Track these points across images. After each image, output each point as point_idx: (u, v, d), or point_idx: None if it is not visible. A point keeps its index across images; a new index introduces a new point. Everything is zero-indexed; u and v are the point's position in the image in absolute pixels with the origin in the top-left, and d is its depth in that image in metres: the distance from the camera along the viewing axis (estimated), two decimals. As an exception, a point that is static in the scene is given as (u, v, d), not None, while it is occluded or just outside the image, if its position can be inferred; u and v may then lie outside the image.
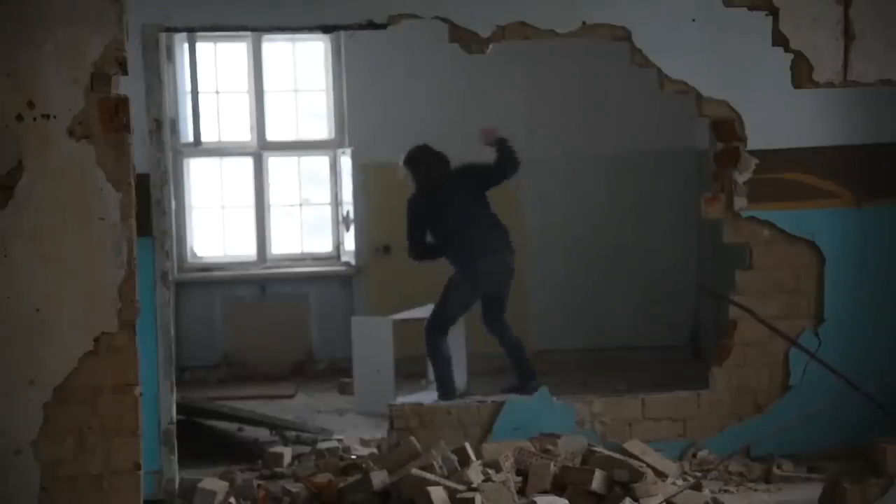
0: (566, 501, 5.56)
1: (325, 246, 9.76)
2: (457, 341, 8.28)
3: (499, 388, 7.84)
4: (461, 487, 5.46)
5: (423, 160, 7.91)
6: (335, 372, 9.06)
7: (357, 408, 8.09)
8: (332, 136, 9.64)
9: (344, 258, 9.60)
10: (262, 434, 7.41)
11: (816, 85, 5.55)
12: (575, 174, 9.31)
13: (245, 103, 9.65)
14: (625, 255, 9.36)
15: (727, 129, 6.62)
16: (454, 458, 5.72)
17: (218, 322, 9.39)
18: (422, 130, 9.16)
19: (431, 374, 8.40)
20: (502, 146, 7.75)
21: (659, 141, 9.25)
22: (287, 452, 6.82)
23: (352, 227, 9.40)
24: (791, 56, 5.56)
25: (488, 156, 7.83)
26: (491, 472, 5.74)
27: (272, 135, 9.69)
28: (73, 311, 4.30)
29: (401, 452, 6.02)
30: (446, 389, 7.76)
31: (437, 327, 7.89)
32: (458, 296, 7.88)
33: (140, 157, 4.86)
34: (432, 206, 7.84)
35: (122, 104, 4.32)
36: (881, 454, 6.24)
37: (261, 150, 9.64)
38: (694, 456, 6.56)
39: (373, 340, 8.14)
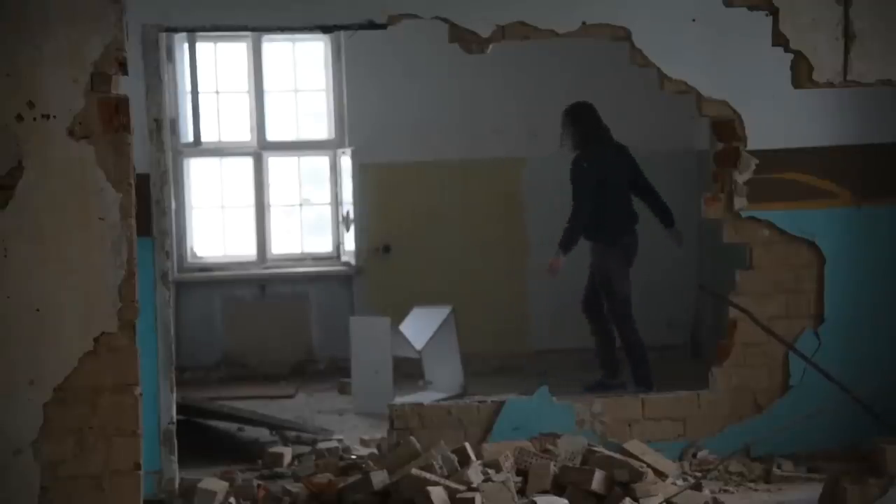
0: (566, 501, 5.56)
1: (325, 246, 9.76)
2: (450, 341, 8.28)
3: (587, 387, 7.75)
4: (461, 487, 5.46)
5: (589, 117, 7.89)
6: (335, 372, 9.05)
7: (355, 408, 8.09)
8: (332, 136, 9.63)
9: (344, 258, 9.60)
10: (262, 434, 7.41)
11: (816, 85, 5.56)
12: (575, 174, 9.30)
13: (245, 103, 9.65)
14: (625, 255, 9.34)
15: (727, 129, 6.62)
16: (454, 458, 5.72)
17: (218, 322, 9.39)
18: (422, 131, 9.19)
19: (428, 375, 8.39)
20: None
21: (659, 141, 9.24)
22: (287, 452, 6.82)
23: (352, 227, 9.40)
24: (791, 56, 5.57)
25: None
26: (491, 472, 5.74)
27: (272, 135, 9.69)
28: (73, 312, 4.31)
29: (401, 452, 6.02)
30: (647, 371, 7.70)
31: (626, 312, 7.83)
32: (619, 272, 7.83)
33: (140, 157, 4.87)
34: (605, 170, 7.78)
35: (122, 104, 4.33)
36: (881, 454, 6.23)
37: (261, 150, 9.64)
38: (694, 456, 6.56)
39: (371, 340, 8.14)
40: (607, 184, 7.76)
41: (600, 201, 7.73)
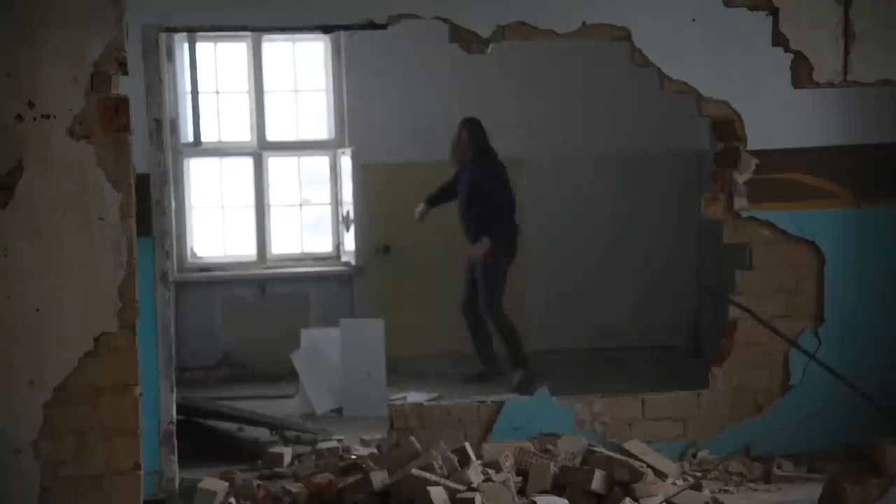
0: (566, 501, 5.56)
1: (325, 246, 9.75)
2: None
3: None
4: (461, 487, 5.47)
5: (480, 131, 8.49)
6: (335, 372, 9.04)
7: (346, 411, 8.00)
8: (332, 136, 9.63)
9: (344, 258, 9.59)
10: (262, 434, 7.41)
11: (816, 85, 5.57)
12: (575, 174, 9.31)
13: (245, 103, 9.65)
14: (625, 255, 9.35)
15: (727, 129, 6.63)
16: (454, 458, 5.72)
17: (218, 322, 9.38)
18: (422, 131, 9.19)
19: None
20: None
21: (659, 141, 9.24)
22: (287, 452, 6.82)
23: (352, 227, 9.40)
24: (791, 56, 5.58)
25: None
26: (491, 472, 5.75)
27: (272, 135, 9.68)
28: (74, 311, 4.30)
29: (401, 452, 6.03)
30: (522, 355, 8.35)
31: (499, 302, 8.38)
32: (503, 269, 8.44)
33: (140, 157, 4.87)
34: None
35: (122, 104, 4.33)
36: (881, 454, 6.23)
37: (261, 150, 9.64)
38: (694, 456, 6.56)
39: (364, 342, 8.09)
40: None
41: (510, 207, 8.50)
